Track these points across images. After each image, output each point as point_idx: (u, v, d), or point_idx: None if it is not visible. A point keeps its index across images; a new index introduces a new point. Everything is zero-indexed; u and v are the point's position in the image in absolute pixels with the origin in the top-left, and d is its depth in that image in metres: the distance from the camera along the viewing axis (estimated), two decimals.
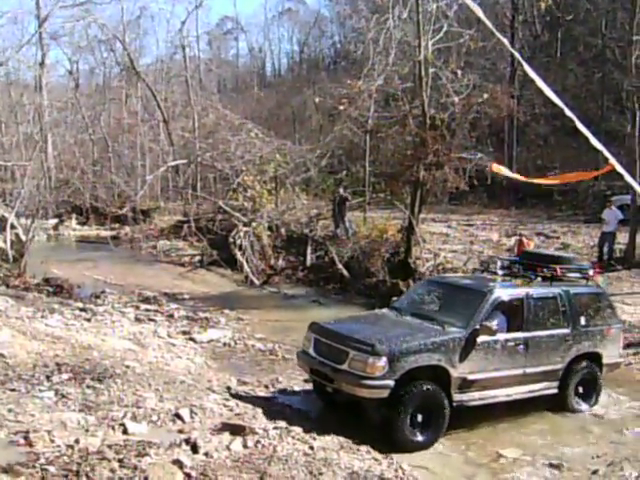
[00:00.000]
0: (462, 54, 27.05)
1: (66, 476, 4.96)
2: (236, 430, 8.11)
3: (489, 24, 6.02)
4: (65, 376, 9.07)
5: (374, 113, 27.58)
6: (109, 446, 6.79)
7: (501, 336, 10.26)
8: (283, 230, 25.30)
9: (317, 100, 29.05)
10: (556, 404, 11.11)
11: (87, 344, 11.22)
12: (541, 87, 5.59)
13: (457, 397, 9.88)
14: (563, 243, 24.74)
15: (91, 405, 8.29)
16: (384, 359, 9.28)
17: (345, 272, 21.48)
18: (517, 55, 7.71)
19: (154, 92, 36.23)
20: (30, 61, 38.13)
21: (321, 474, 7.39)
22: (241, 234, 23.84)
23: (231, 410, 9.13)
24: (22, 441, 6.74)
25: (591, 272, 12.40)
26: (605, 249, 21.43)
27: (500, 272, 11.80)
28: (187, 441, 7.49)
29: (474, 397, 10.11)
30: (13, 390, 8.29)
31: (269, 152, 27.88)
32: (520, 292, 10.92)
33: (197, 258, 25.54)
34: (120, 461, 6.09)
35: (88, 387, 8.85)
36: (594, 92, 39.94)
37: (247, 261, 22.64)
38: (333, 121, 35.55)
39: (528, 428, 10.44)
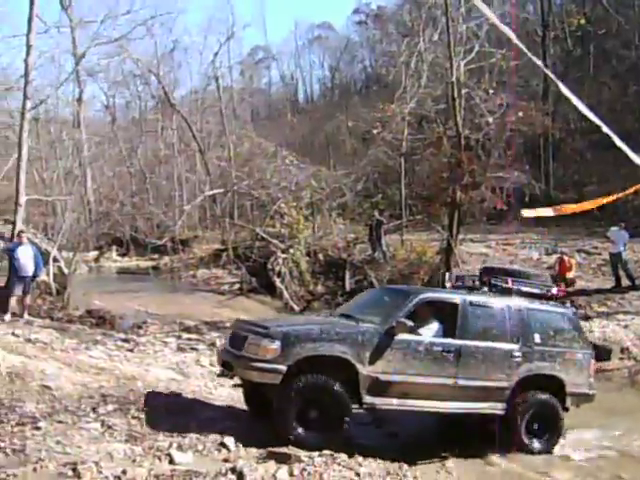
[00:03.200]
0: (494, 73, 27.00)
1: None
2: (282, 458, 8.06)
3: (520, 45, 6.04)
4: (110, 407, 9.13)
5: (408, 136, 27.64)
6: (156, 476, 6.82)
7: (425, 339, 9.60)
8: (321, 255, 25.36)
9: (350, 125, 29.07)
10: (503, 439, 9.81)
11: (131, 375, 11.29)
12: (576, 105, 5.57)
13: (368, 399, 9.15)
14: (605, 259, 24.32)
15: (137, 436, 8.33)
16: (277, 342, 8.78)
17: None
18: (551, 75, 7.57)
19: (189, 123, 36.76)
20: (68, 97, 39.00)
21: None
22: (279, 260, 23.96)
23: (277, 438, 9.07)
24: (70, 473, 6.78)
25: (554, 290, 11.46)
26: (621, 272, 20.31)
27: (447, 285, 11.29)
28: (233, 470, 7.46)
29: (391, 402, 9.34)
30: (60, 422, 8.36)
31: (304, 178, 28.04)
32: (455, 298, 10.18)
33: (236, 286, 25.69)
34: None
35: (133, 418, 8.88)
36: (630, 105, 39.54)
37: (286, 287, 22.73)
38: (367, 145, 35.68)
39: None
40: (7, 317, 14.13)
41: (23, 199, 17.11)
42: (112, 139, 42.80)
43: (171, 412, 8.96)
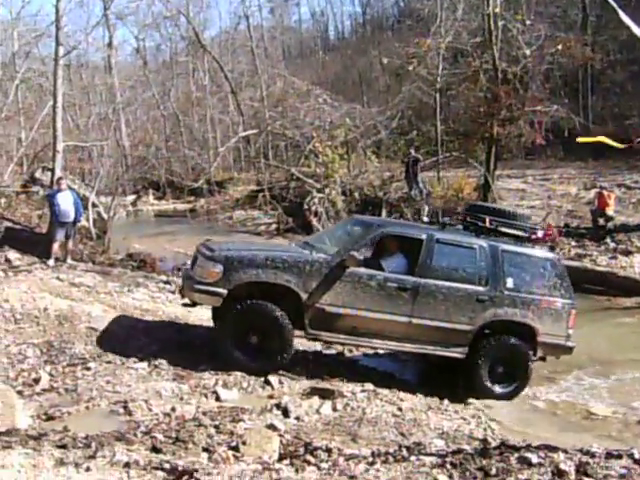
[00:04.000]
0: (531, 4, 26.26)
1: (173, 442, 5.12)
2: (325, 394, 8.22)
3: None
4: (155, 347, 9.34)
5: (443, 70, 27.11)
6: (204, 413, 6.99)
7: (378, 274, 9.29)
8: (357, 194, 25.30)
9: (385, 61, 28.60)
10: (465, 381, 9.77)
11: (174, 315, 11.51)
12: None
13: (313, 329, 9.10)
14: None
15: (183, 374, 8.53)
16: (220, 266, 8.81)
17: None
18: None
19: (221, 64, 36.46)
20: (98, 43, 38.85)
21: (411, 434, 7.43)
22: (315, 200, 23.97)
23: (318, 374, 9.24)
24: (121, 410, 6.99)
25: (540, 233, 10.50)
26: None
27: (425, 219, 10.94)
28: (278, 406, 7.64)
29: (337, 335, 9.30)
30: (109, 362, 8.58)
31: (338, 117, 27.78)
32: (421, 233, 9.71)
33: (273, 226, 25.82)
34: (216, 427, 6.26)
35: (179, 357, 9.08)
36: None
37: (323, 226, 22.75)
38: (401, 81, 35.18)
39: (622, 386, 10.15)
40: (51, 262, 14.39)
41: (60, 146, 17.24)
42: (144, 83, 42.65)
43: (215, 352, 9.12)
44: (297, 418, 7.37)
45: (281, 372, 9.05)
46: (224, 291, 8.78)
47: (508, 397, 9.69)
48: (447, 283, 9.54)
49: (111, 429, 6.07)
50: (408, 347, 9.62)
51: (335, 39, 74.96)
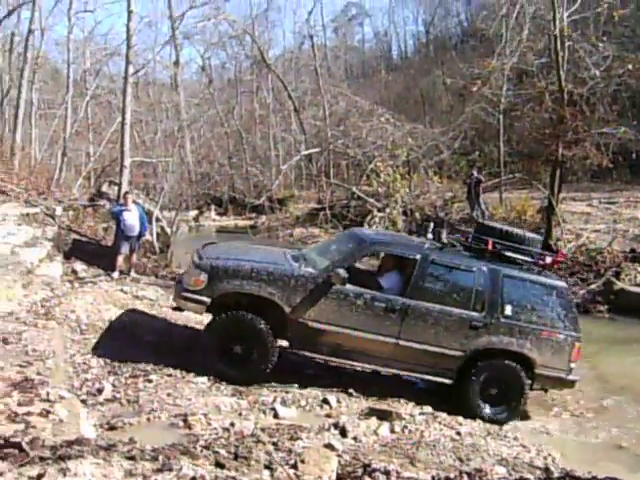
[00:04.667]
0: (599, 24, 25.83)
1: (235, 458, 5.16)
2: (383, 415, 8.18)
3: None
4: None
5: (507, 91, 26.85)
6: (262, 429, 7.01)
7: (365, 293, 9.10)
8: (418, 214, 25.20)
9: (449, 82, 28.49)
10: (455, 398, 9.46)
11: None
12: None
13: (297, 344, 9.07)
14: None
15: (242, 390, 8.61)
16: (204, 275, 8.95)
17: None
18: None
19: (284, 83, 36.86)
20: (165, 61, 39.71)
21: (470, 460, 7.32)
22: (376, 219, 23.96)
23: (376, 395, 9.21)
24: (181, 424, 7.06)
25: (548, 260, 9.89)
26: None
27: (430, 236, 10.14)
28: (336, 425, 7.61)
29: (321, 351, 9.15)
30: (170, 375, 8.71)
31: (400, 136, 27.77)
32: (415, 253, 9.43)
33: None
34: (274, 444, 6.27)
35: None
36: None
37: None
38: (464, 101, 35.00)
39: None
40: (115, 275, 14.68)
41: (128, 161, 17.63)
42: (209, 101, 43.39)
43: (276, 367, 9.18)
44: (355, 438, 7.33)
45: (339, 391, 9.07)
46: (207, 299, 8.95)
47: (500, 421, 9.31)
48: (438, 306, 9.27)
49: (171, 442, 6.13)
50: (394, 369, 9.46)
51: (398, 58, 75.04)
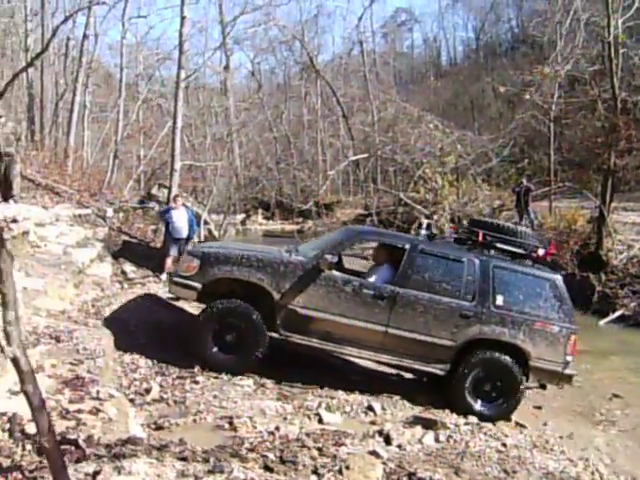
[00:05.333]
0: None
1: (284, 463, 5.20)
2: (428, 424, 8.11)
3: None
4: (262, 366, 9.47)
5: (559, 98, 26.49)
6: (307, 434, 7.01)
7: (353, 280, 9.19)
8: (465, 222, 24.95)
9: (502, 90, 28.19)
10: (445, 393, 9.36)
11: None
12: None
13: (285, 330, 9.05)
14: None
15: (287, 394, 8.65)
16: (197, 261, 9.15)
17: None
18: None
19: (333, 88, 36.95)
20: (216, 66, 40.19)
21: (515, 472, 7.21)
22: (423, 226, 23.80)
23: (421, 404, 9.16)
24: (227, 426, 7.10)
25: (541, 252, 9.81)
26: None
27: (423, 232, 10.05)
28: (380, 433, 7.58)
29: (310, 339, 9.08)
30: (216, 378, 8.78)
31: (449, 143, 27.58)
32: (403, 242, 9.54)
33: None
34: (319, 449, 6.28)
35: (284, 377, 9.20)
36: None
37: None
38: (513, 108, 34.68)
39: None
40: (163, 276, 14.85)
41: (178, 165, 17.86)
42: (258, 105, 43.74)
43: (321, 373, 9.21)
44: (399, 446, 7.29)
45: (384, 398, 9.05)
46: (198, 285, 9.11)
47: (492, 417, 9.11)
48: (428, 295, 9.22)
49: (217, 443, 6.18)
50: (384, 358, 9.35)
51: (447, 65, 74.73)
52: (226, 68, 38.00)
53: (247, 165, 39.53)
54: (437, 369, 9.31)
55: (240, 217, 36.02)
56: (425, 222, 10.62)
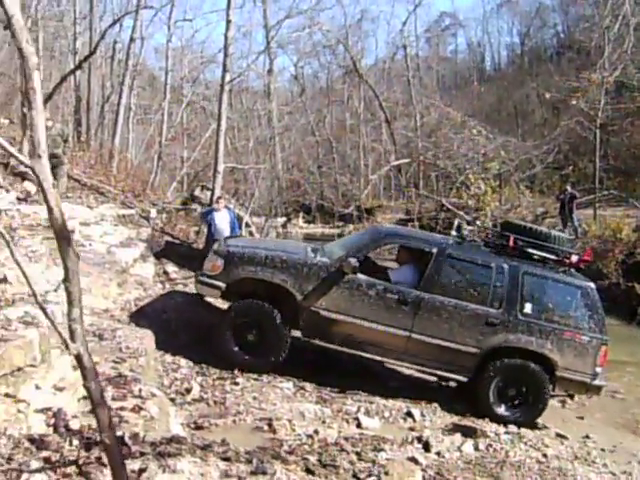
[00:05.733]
0: None
1: (324, 466, 5.21)
2: (467, 432, 8.05)
3: None
4: (302, 369, 9.47)
5: (605, 105, 26.08)
6: (346, 438, 7.01)
7: (378, 283, 9.06)
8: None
9: (547, 96, 27.87)
10: (470, 397, 9.22)
11: None
12: None
13: (307, 331, 9.07)
14: None
15: (326, 398, 8.66)
16: (221, 260, 9.16)
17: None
18: None
19: (376, 93, 36.88)
20: (259, 69, 40.41)
21: None
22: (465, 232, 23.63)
23: (460, 412, 9.09)
24: (266, 427, 7.14)
25: (574, 258, 9.43)
26: None
27: (454, 232, 9.86)
28: (419, 439, 7.55)
29: (332, 340, 9.05)
30: (256, 379, 8.83)
31: (493, 149, 27.34)
32: (432, 247, 9.30)
33: None
34: (358, 454, 6.27)
35: (323, 380, 9.21)
36: None
37: None
38: (558, 114, 34.29)
39: None
40: None
41: (221, 167, 17.98)
42: (300, 109, 43.87)
43: (360, 378, 9.20)
44: (438, 453, 7.25)
45: (423, 405, 9.00)
46: (222, 284, 9.16)
47: (518, 423, 8.95)
48: (453, 301, 9.07)
49: (256, 445, 6.22)
50: (407, 363, 9.27)
51: (491, 70, 74.09)
52: (269, 71, 38.14)
53: (289, 168, 39.65)
54: (460, 375, 9.21)
55: (281, 220, 36.12)
56: (456, 223, 10.38)
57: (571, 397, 9.74)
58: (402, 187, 34.79)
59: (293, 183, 38.48)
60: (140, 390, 6.57)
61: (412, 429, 8.09)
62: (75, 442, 4.47)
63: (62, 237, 3.43)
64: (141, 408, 6.05)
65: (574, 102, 24.71)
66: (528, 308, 9.14)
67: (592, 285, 9.45)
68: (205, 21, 72.26)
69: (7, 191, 13.83)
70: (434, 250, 9.28)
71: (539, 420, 9.44)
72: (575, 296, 9.27)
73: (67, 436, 4.66)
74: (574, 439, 8.95)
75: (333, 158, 41.73)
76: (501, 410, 9.09)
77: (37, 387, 5.88)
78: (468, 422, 8.57)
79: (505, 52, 75.89)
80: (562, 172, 30.64)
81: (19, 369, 5.65)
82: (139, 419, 5.81)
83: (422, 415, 8.60)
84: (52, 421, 5.29)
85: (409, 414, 8.50)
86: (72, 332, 3.45)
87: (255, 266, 9.09)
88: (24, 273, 3.59)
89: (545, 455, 7.92)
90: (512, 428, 8.66)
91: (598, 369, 9.24)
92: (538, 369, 9.09)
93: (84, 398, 6.09)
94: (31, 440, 4.33)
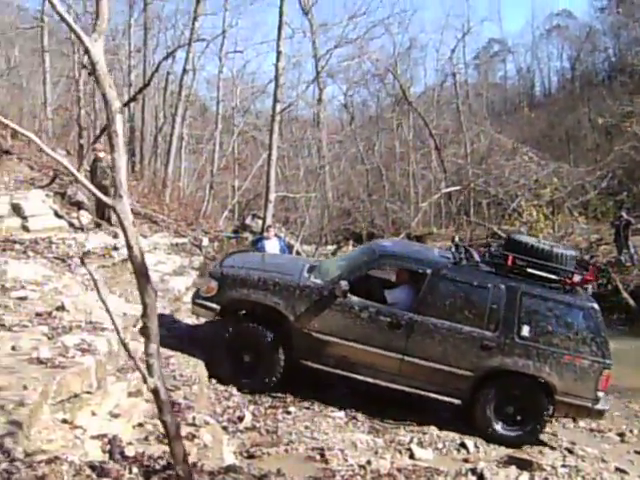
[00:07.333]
0: None
1: None
2: (523, 465, 7.89)
3: None
4: (354, 398, 9.45)
5: None
6: (399, 469, 6.94)
7: (370, 306, 8.94)
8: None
9: (600, 120, 27.48)
10: (467, 417, 9.05)
11: None
12: None
13: (302, 354, 8.97)
14: None
15: (379, 428, 8.60)
16: (214, 282, 9.26)
17: (631, 301, 20.14)
18: None
19: (426, 120, 36.85)
20: (308, 98, 40.77)
21: None
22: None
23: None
24: (318, 457, 7.13)
25: (576, 278, 9.15)
26: None
27: (452, 249, 9.76)
28: (473, 471, 7.43)
29: (328, 363, 8.96)
30: (308, 408, 8.83)
31: (544, 175, 26.99)
32: (425, 268, 9.11)
33: None
34: None
35: (375, 410, 9.14)
36: None
37: None
38: (611, 139, 33.79)
39: None
40: None
41: (273, 196, 18.20)
42: (350, 137, 44.06)
43: (412, 408, 9.11)
44: None
45: (477, 436, 8.85)
46: (217, 306, 9.19)
47: (515, 443, 8.79)
48: (447, 323, 8.89)
49: (308, 474, 6.20)
50: (401, 386, 9.07)
51: (541, 95, 73.23)
52: (319, 101, 38.42)
53: (339, 197, 39.77)
54: (455, 398, 9.07)
55: (331, 248, 36.13)
56: (457, 239, 10.21)
57: (574, 419, 9.68)
58: (453, 214, 34.53)
59: (343, 211, 38.54)
60: (194, 418, 6.62)
61: (466, 460, 7.98)
62: (135, 470, 4.50)
63: (141, 274, 3.51)
64: (194, 436, 6.09)
65: (628, 126, 24.28)
66: (526, 330, 8.92)
67: (595, 306, 9.13)
68: (255, 52, 73.18)
69: (95, 232, 14.17)
70: (428, 271, 9.12)
71: (597, 453, 9.22)
72: (577, 318, 9.03)
73: (125, 463, 4.71)
74: (634, 473, 8.68)
75: (383, 186, 41.65)
76: (498, 428, 8.96)
77: (93, 413, 5.97)
78: (523, 454, 8.42)
79: (555, 77, 74.97)
80: (616, 198, 30.08)
81: (76, 395, 5.75)
82: (193, 447, 5.84)
83: (476, 446, 8.48)
84: (107, 447, 5.35)
85: (463, 445, 8.40)
86: (149, 367, 3.51)
87: (248, 288, 9.15)
88: (107, 309, 3.67)
89: None
90: (569, 461, 8.43)
91: (600, 394, 9.02)
92: (537, 390, 8.96)
93: (139, 425, 6.18)
94: (92, 467, 4.37)
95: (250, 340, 9.04)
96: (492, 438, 8.83)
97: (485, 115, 47.89)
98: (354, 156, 43.86)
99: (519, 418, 9.02)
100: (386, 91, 47.02)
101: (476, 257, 9.76)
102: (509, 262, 9.10)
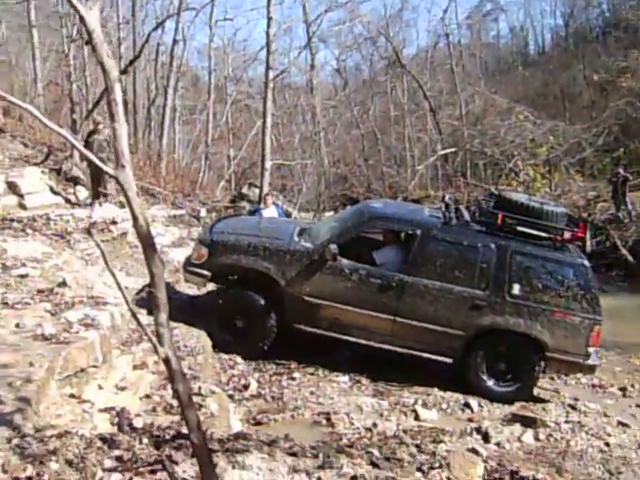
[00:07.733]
0: None
1: (388, 459, 5.23)
2: (527, 422, 7.97)
3: None
4: (357, 362, 9.51)
5: None
6: (404, 431, 7.01)
7: (360, 268, 8.95)
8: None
9: (595, 77, 27.29)
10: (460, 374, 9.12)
11: None
12: None
13: (295, 318, 8.97)
14: None
15: (383, 391, 8.68)
16: (205, 249, 9.22)
17: (630, 258, 20.21)
18: None
19: (420, 83, 36.55)
20: (300, 64, 40.45)
21: (620, 473, 7.02)
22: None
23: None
24: (324, 422, 7.22)
25: (567, 235, 9.13)
26: None
27: (442, 211, 9.57)
28: (478, 430, 7.53)
29: (321, 326, 8.98)
30: (312, 374, 8.91)
31: (540, 134, 26.87)
32: (415, 228, 9.14)
33: None
34: (417, 446, 6.25)
35: (379, 374, 9.22)
36: None
37: None
38: (607, 96, 33.60)
39: None
40: None
41: (269, 164, 18.14)
42: (344, 103, 43.74)
43: (416, 370, 9.18)
44: (498, 444, 7.22)
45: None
46: (208, 273, 9.18)
47: (508, 399, 8.88)
48: (438, 283, 8.92)
49: (315, 439, 6.26)
50: (394, 346, 9.10)
51: (535, 54, 72.62)
52: (312, 66, 38.11)
53: (335, 162, 39.60)
54: (447, 357, 9.08)
55: (329, 214, 36.10)
56: (447, 197, 10.05)
57: (566, 374, 9.89)
58: (449, 176, 34.41)
59: (340, 177, 38.44)
60: (199, 388, 6.68)
61: (470, 420, 8.07)
62: (145, 440, 4.56)
63: (147, 244, 3.51)
64: (201, 405, 6.14)
65: (623, 82, 24.12)
66: (516, 289, 8.95)
67: (586, 263, 9.15)
68: (246, 19, 72.55)
69: (100, 204, 14.12)
70: (418, 232, 9.13)
71: (599, 408, 9.32)
72: (567, 275, 9.04)
73: (135, 435, 4.76)
74: (637, 427, 8.78)
75: (379, 150, 41.39)
76: (490, 385, 9.04)
77: (100, 387, 6.04)
78: (527, 412, 8.49)
79: (549, 35, 74.21)
80: (613, 155, 29.93)
81: (82, 370, 5.80)
82: (200, 416, 5.88)
83: (480, 406, 8.57)
84: (116, 420, 5.41)
85: (467, 405, 8.49)
86: (160, 336, 3.53)
87: (238, 254, 9.14)
88: (117, 281, 3.68)
89: (607, 444, 7.80)
90: (572, 417, 8.53)
91: (591, 349, 9.08)
92: (528, 347, 9.01)
93: (146, 397, 6.23)
94: (102, 439, 4.43)
95: (242, 306, 9.07)
96: (485, 395, 8.91)
97: (479, 75, 47.56)
98: (349, 121, 43.57)
99: (511, 375, 9.08)
100: (379, 54, 46.48)
101: (466, 216, 9.70)
102: (499, 220, 9.08)
